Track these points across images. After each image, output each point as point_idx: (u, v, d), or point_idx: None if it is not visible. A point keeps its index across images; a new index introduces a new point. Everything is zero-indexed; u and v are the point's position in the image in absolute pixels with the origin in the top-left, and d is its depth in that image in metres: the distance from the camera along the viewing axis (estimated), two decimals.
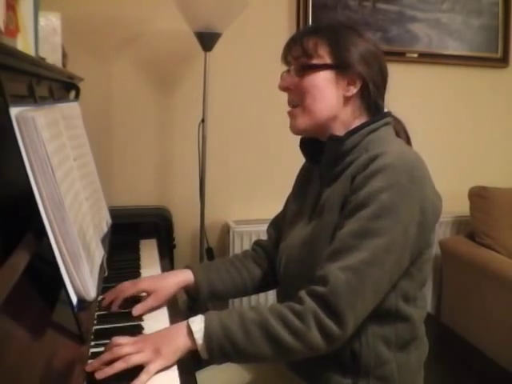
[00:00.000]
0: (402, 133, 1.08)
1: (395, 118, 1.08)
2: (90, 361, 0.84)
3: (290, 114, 1.04)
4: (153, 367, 0.82)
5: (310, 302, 0.85)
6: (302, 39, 1.01)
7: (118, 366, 0.80)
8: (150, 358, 0.82)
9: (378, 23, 2.36)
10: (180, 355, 0.86)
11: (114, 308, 1.06)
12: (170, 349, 0.85)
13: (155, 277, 1.15)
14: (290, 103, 1.04)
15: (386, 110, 1.04)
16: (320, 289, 0.85)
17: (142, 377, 0.80)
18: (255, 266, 1.20)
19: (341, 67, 0.98)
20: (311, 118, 1.00)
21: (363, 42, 1.00)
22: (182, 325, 0.88)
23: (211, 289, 1.15)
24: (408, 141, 1.09)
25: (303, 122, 1.01)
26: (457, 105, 2.56)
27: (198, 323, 0.86)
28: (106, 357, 0.82)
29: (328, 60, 0.99)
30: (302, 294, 0.88)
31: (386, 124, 1.01)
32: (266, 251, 1.22)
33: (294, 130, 1.04)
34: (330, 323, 0.83)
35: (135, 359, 0.81)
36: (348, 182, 0.94)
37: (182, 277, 1.14)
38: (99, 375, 0.79)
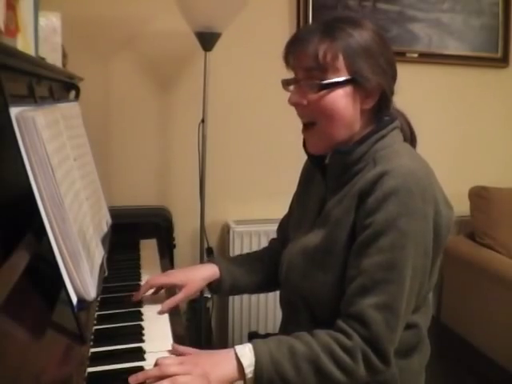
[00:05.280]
0: (405, 127, 1.04)
1: (398, 111, 1.04)
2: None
3: (306, 134, 1.00)
4: None
5: (357, 339, 0.85)
6: (315, 47, 0.91)
7: None
8: (197, 382, 0.79)
9: (378, 23, 2.35)
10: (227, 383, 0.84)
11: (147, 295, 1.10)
12: (217, 376, 0.82)
13: (185, 271, 1.16)
14: (302, 119, 0.99)
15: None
16: (361, 330, 0.85)
17: None
18: (272, 264, 1.18)
19: (359, 80, 0.91)
20: (330, 139, 0.96)
21: (370, 37, 0.93)
22: (231, 355, 0.85)
23: (233, 284, 1.16)
24: (412, 137, 1.06)
25: (321, 144, 0.98)
26: (457, 105, 2.56)
27: (248, 358, 0.84)
28: (153, 373, 0.79)
29: (345, 73, 0.91)
30: (346, 327, 0.87)
31: (394, 129, 0.98)
32: (278, 251, 1.21)
33: (312, 151, 1.01)
34: (376, 361, 0.86)
35: (182, 380, 0.78)
36: (355, 200, 0.92)
37: (210, 271, 1.15)
38: None
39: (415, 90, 2.44)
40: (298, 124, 1.04)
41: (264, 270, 1.19)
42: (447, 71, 2.51)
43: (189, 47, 2.01)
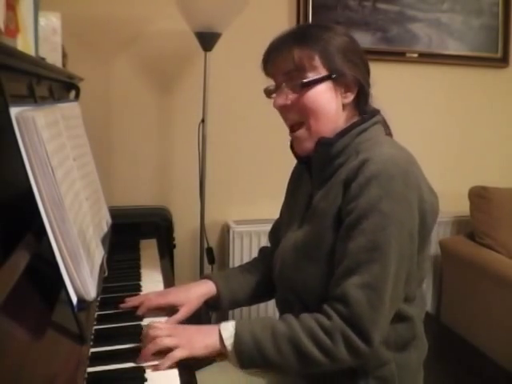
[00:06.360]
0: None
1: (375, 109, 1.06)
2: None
3: (295, 137, 1.01)
4: (179, 353, 0.86)
5: (337, 319, 0.87)
6: (290, 51, 0.97)
7: (149, 348, 0.86)
8: (180, 343, 0.87)
9: (377, 23, 2.36)
10: (209, 352, 0.90)
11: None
12: (201, 343, 0.89)
13: (180, 289, 1.13)
14: (289, 121, 1.01)
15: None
16: (343, 309, 0.87)
17: (165, 361, 0.85)
18: (268, 270, 1.18)
19: (336, 76, 0.96)
20: (318, 137, 0.98)
21: (341, 39, 0.98)
22: (215, 328, 0.91)
23: (232, 299, 1.15)
24: (387, 133, 1.07)
25: (311, 143, 0.99)
26: (457, 105, 2.56)
27: (228, 331, 0.89)
28: (143, 340, 0.90)
29: (323, 71, 0.96)
30: (328, 308, 0.89)
31: (376, 123, 1.01)
32: (272, 255, 1.20)
33: (302, 152, 1.03)
34: (357, 341, 0.86)
35: (166, 341, 0.87)
36: (340, 189, 0.94)
37: (206, 289, 1.13)
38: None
39: (415, 90, 2.44)
40: None
41: (261, 278, 1.19)
42: (447, 71, 2.51)
43: (189, 47, 2.01)
